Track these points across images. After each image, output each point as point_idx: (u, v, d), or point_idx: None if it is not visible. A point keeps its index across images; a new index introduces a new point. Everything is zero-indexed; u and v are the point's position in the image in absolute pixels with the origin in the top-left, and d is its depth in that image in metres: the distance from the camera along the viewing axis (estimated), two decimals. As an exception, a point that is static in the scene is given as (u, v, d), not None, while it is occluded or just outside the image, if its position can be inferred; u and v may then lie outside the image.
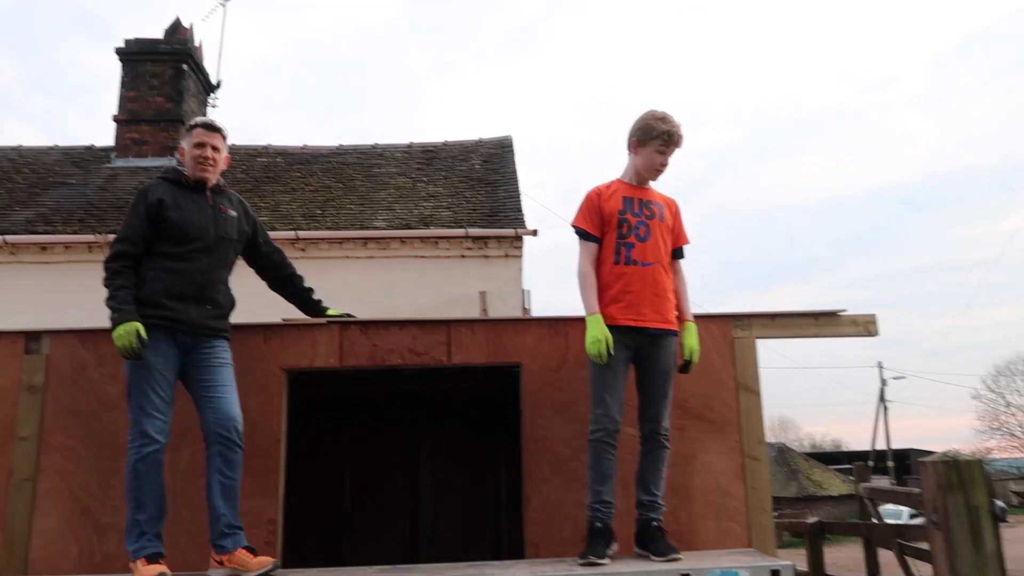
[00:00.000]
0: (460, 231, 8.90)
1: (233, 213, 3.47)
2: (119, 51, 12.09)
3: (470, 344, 3.69)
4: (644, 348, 3.23)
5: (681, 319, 3.34)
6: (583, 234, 3.31)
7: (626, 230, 3.26)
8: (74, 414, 3.57)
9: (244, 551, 3.03)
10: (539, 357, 3.68)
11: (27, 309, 8.36)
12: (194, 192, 3.36)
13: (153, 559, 3.01)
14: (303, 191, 10.44)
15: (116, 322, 3.06)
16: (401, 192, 10.24)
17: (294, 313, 3.82)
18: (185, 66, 12.07)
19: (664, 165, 3.33)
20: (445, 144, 11.94)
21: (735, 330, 3.72)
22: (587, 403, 3.35)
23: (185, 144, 3.42)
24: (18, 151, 12.14)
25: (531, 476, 3.55)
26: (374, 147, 11.96)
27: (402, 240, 9.07)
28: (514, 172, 10.54)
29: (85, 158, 11.75)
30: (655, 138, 3.28)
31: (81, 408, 3.58)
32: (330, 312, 3.79)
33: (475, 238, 8.94)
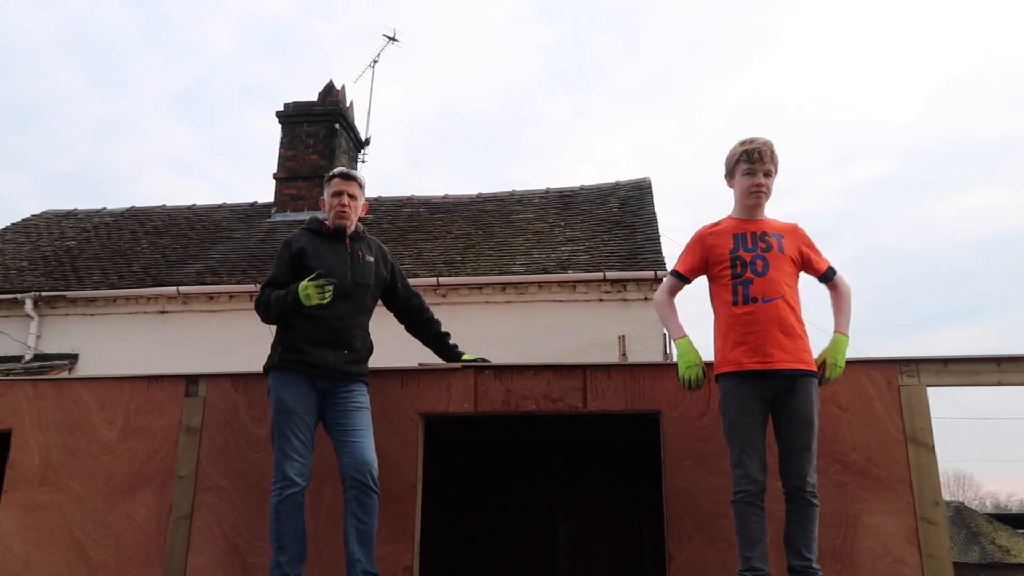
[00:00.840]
0: (598, 275, 8.80)
1: (371, 259, 3.55)
2: (279, 114, 13.07)
3: (607, 390, 3.55)
4: (780, 395, 2.96)
5: (833, 330, 3.11)
6: (672, 271, 3.29)
7: (740, 268, 3.04)
8: (226, 455, 3.73)
9: None
10: (680, 404, 3.48)
11: (196, 354, 9.03)
12: (334, 240, 3.48)
13: (294, 602, 3.05)
14: (444, 239, 10.73)
15: (293, 293, 3.24)
16: (539, 237, 10.30)
17: (431, 358, 3.84)
18: (337, 125, 12.86)
19: (759, 186, 3.08)
20: (582, 188, 11.96)
21: (901, 377, 3.36)
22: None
23: (325, 194, 3.56)
24: (193, 209, 13.32)
25: (674, 533, 3.33)
26: (512, 194, 12.16)
27: (540, 285, 9.08)
28: (653, 214, 10.35)
29: (249, 214, 12.70)
30: (738, 162, 3.14)
31: (232, 449, 3.73)
32: (465, 357, 3.78)
33: (613, 281, 8.81)
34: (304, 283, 3.22)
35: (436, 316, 3.87)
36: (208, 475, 3.72)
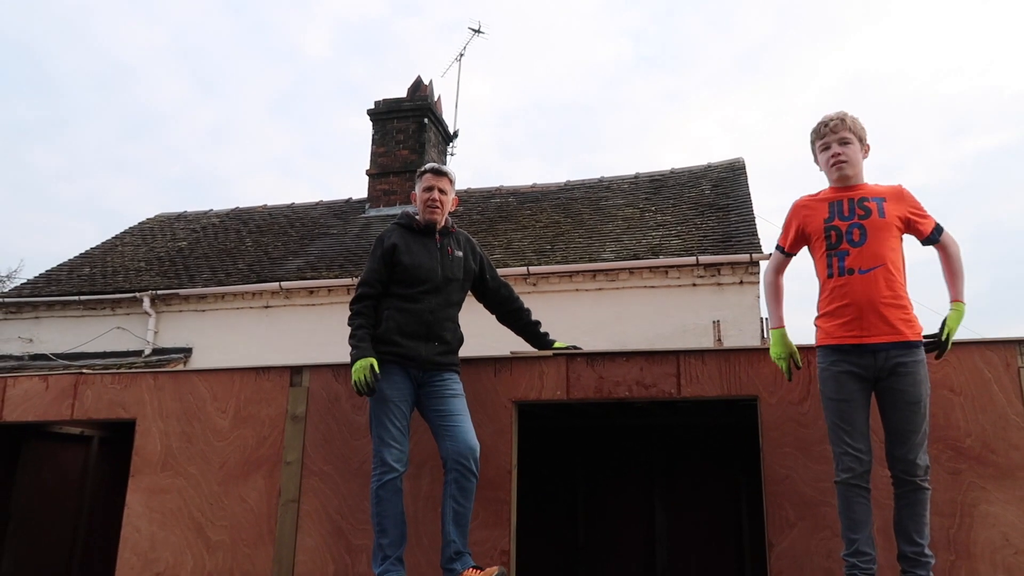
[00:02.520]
0: (690, 259, 8.64)
1: (459, 253, 3.61)
2: (370, 112, 13.41)
3: (701, 376, 3.49)
4: (882, 373, 2.81)
5: (950, 299, 2.99)
6: (776, 246, 3.25)
7: (835, 238, 2.93)
8: (329, 441, 3.89)
9: (472, 571, 3.08)
10: (779, 389, 3.39)
11: (299, 346, 9.42)
12: (424, 236, 3.55)
13: (400, 584, 3.15)
14: (534, 228, 10.77)
15: (354, 358, 3.30)
16: (629, 223, 10.19)
17: (523, 347, 3.88)
18: (426, 120, 13.08)
19: (837, 156, 2.98)
20: (672, 172, 11.74)
21: (1021, 358, 3.16)
22: (824, 439, 3.05)
23: (416, 189, 3.63)
24: (292, 208, 13.86)
25: (774, 520, 3.25)
26: (600, 180, 12.07)
27: (631, 271, 8.99)
28: (747, 195, 10.07)
29: (344, 210, 13.11)
30: (814, 142, 3.13)
31: (335, 436, 3.88)
32: (557, 345, 3.79)
33: (707, 266, 8.63)
34: (365, 364, 3.26)
35: (527, 305, 3.90)
36: (313, 460, 3.88)
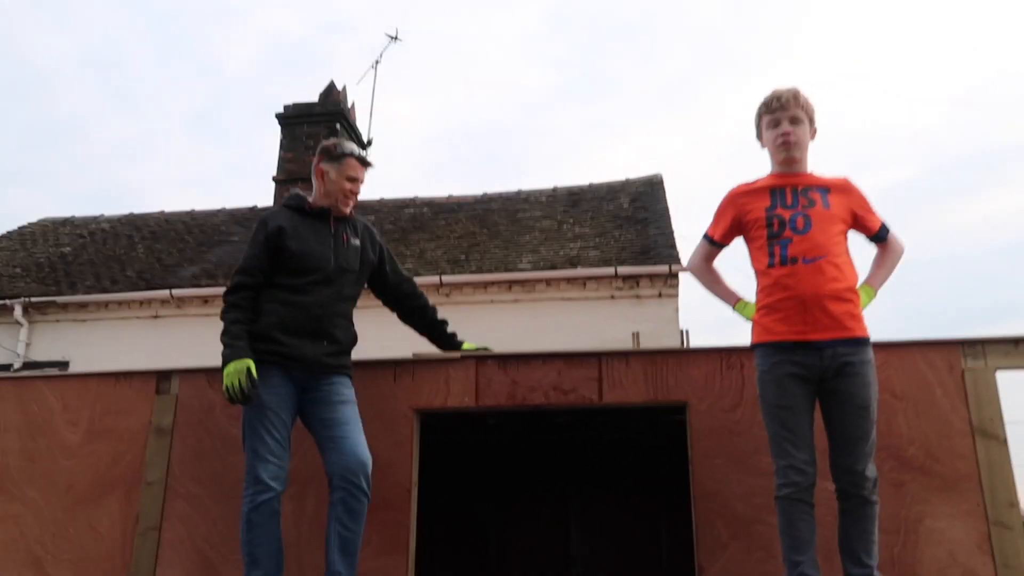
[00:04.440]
0: (609, 270, 8.39)
1: (356, 242, 3.15)
2: (279, 116, 12.74)
3: (625, 380, 3.14)
4: (828, 374, 2.51)
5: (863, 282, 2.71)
6: (704, 235, 2.90)
7: (778, 226, 2.62)
8: (200, 458, 3.34)
9: None
10: (709, 395, 3.06)
11: (191, 359, 8.65)
12: (316, 220, 3.07)
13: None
14: (448, 238, 10.35)
15: (227, 359, 2.79)
16: (547, 235, 9.91)
17: (428, 348, 3.44)
18: (338, 125, 12.50)
19: (785, 134, 2.66)
20: (591, 186, 11.57)
21: (965, 360, 2.93)
22: (764, 451, 2.75)
23: (329, 168, 3.10)
24: (191, 214, 12.98)
25: (705, 541, 2.91)
26: (518, 193, 11.78)
27: (548, 282, 8.68)
28: (665, 209, 9.95)
29: (247, 217, 12.35)
30: (761, 117, 2.77)
31: (207, 452, 3.34)
32: (466, 346, 3.38)
33: (625, 277, 8.40)
34: (240, 366, 2.75)
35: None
36: (180, 481, 3.32)
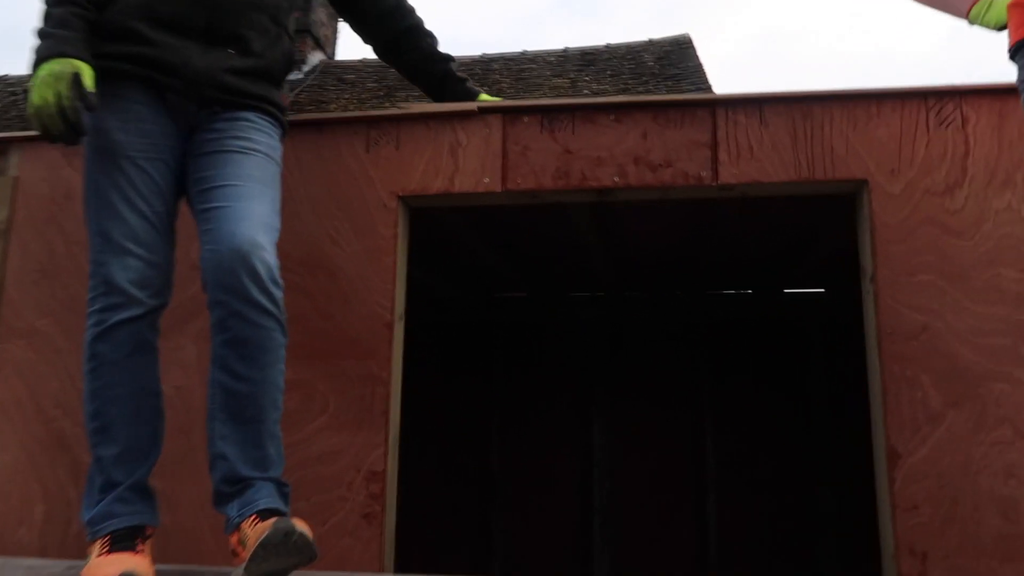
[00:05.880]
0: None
1: None
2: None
3: (758, 146, 1.85)
4: None
5: None
6: None
7: None
8: (50, 275, 2.06)
9: (254, 519, 1.38)
10: (907, 169, 1.79)
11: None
12: None
13: (122, 540, 1.42)
14: (442, 99, 8.89)
15: (41, 56, 1.47)
16: (558, 93, 8.46)
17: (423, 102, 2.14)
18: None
19: None
20: (608, 46, 10.03)
21: None
22: (1016, 263, 1.55)
23: None
24: None
25: (900, 411, 1.68)
26: (523, 53, 10.24)
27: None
28: (699, 66, 8.49)
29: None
30: None
31: (61, 266, 2.06)
32: (483, 97, 2.08)
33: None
34: (63, 69, 1.42)
35: None
36: (19, 312, 2.05)
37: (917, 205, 1.75)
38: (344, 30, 11.59)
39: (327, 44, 11.17)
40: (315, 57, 10.44)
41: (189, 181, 1.59)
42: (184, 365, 1.88)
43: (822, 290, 4.13)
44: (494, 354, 4.43)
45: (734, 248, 3.01)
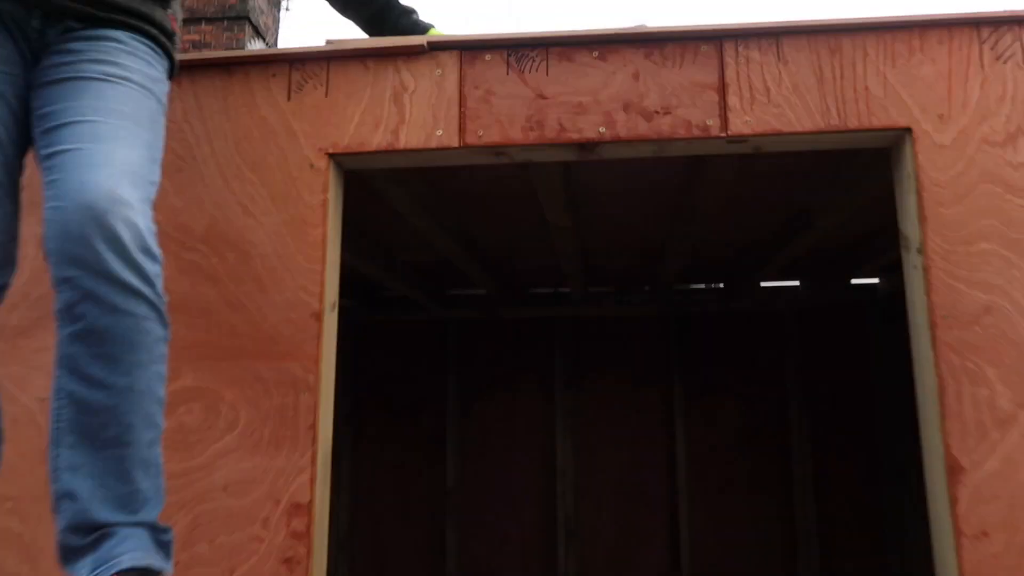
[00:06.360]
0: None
1: None
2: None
3: (776, 84, 1.50)
4: None
5: None
6: None
7: None
8: None
9: None
10: (957, 114, 1.46)
11: None
12: None
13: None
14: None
15: None
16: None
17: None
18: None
19: None
20: None
21: None
22: None
23: None
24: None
25: (961, 416, 1.35)
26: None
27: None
28: None
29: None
30: None
31: None
32: (433, 32, 1.70)
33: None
34: None
35: None
36: None
37: (973, 158, 1.42)
38: (286, 19, 11.01)
39: (267, 33, 10.62)
40: (254, 46, 9.88)
41: (33, 121, 1.17)
42: (49, 371, 1.45)
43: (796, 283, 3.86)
44: (447, 354, 4.05)
45: (713, 235, 2.68)
